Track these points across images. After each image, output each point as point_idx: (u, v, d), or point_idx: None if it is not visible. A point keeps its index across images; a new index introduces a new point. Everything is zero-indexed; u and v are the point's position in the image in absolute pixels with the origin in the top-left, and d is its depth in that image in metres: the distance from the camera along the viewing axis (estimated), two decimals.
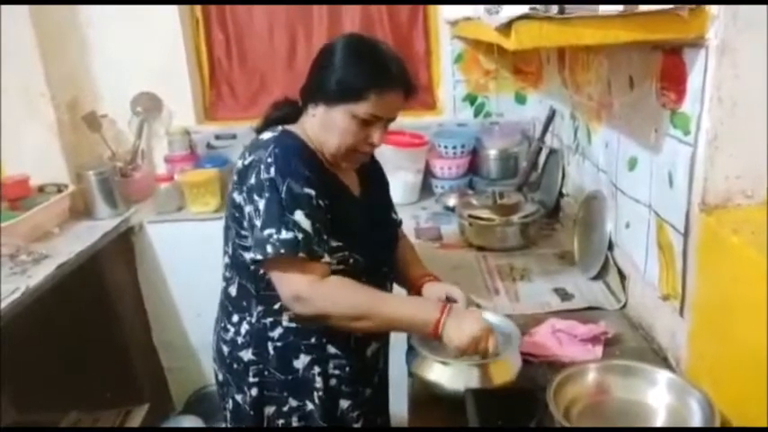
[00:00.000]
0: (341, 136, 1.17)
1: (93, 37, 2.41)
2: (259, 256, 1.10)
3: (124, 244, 2.30)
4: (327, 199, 1.15)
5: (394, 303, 1.20)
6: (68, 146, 2.30)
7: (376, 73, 1.14)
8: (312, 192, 1.12)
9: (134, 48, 2.40)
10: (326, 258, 1.12)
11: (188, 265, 2.26)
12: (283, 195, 1.09)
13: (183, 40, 2.46)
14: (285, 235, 1.08)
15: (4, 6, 2.08)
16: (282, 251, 1.08)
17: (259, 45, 2.57)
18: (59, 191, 2.22)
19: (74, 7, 2.36)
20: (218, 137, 2.56)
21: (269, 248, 1.08)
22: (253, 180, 1.12)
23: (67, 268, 1.91)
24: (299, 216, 1.09)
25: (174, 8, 2.42)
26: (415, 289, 1.36)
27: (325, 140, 1.19)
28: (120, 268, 2.29)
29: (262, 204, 1.10)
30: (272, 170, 1.11)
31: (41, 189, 2.21)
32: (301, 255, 1.08)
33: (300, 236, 1.08)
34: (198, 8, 2.54)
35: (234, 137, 2.51)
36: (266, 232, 1.08)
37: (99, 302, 2.22)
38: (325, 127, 1.18)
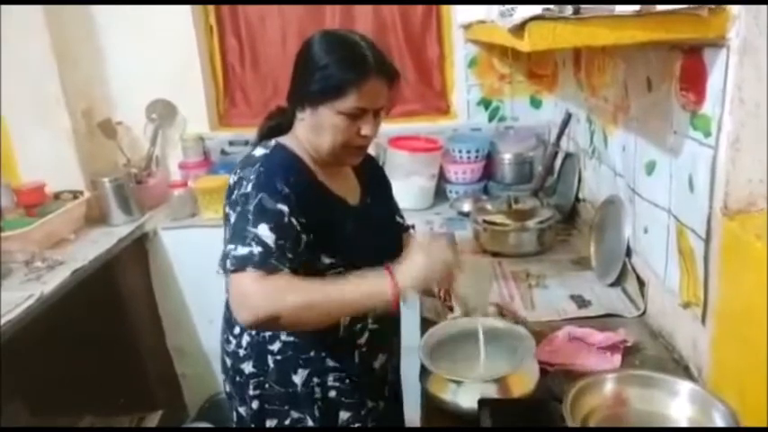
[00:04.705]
0: (331, 134, 1.15)
1: (107, 45, 2.43)
2: (220, 271, 1.08)
3: (139, 250, 2.31)
4: (308, 218, 1.12)
5: (338, 282, 1.14)
6: (84, 153, 2.32)
7: (353, 66, 1.11)
8: (285, 208, 1.09)
9: (148, 55, 2.42)
10: (286, 272, 1.06)
11: (202, 271, 2.21)
12: (251, 208, 1.08)
13: (196, 46, 2.47)
14: (241, 251, 1.05)
15: (20, 16, 2.10)
16: (233, 268, 1.05)
17: (272, 51, 2.58)
18: (75, 197, 2.24)
19: (88, 15, 2.39)
20: (231, 143, 2.57)
21: (228, 263, 1.06)
22: (234, 196, 1.12)
23: (82, 274, 1.92)
24: (262, 229, 1.06)
25: (187, 15, 2.43)
26: None
27: (318, 142, 1.18)
28: (134, 274, 2.30)
29: (233, 219, 1.10)
30: (250, 186, 1.10)
31: (57, 196, 2.23)
32: (250, 269, 1.03)
33: (258, 250, 1.04)
34: (212, 15, 2.55)
35: (247, 143, 2.50)
36: (228, 247, 1.07)
37: (113, 308, 2.23)
38: (314, 129, 1.17)
